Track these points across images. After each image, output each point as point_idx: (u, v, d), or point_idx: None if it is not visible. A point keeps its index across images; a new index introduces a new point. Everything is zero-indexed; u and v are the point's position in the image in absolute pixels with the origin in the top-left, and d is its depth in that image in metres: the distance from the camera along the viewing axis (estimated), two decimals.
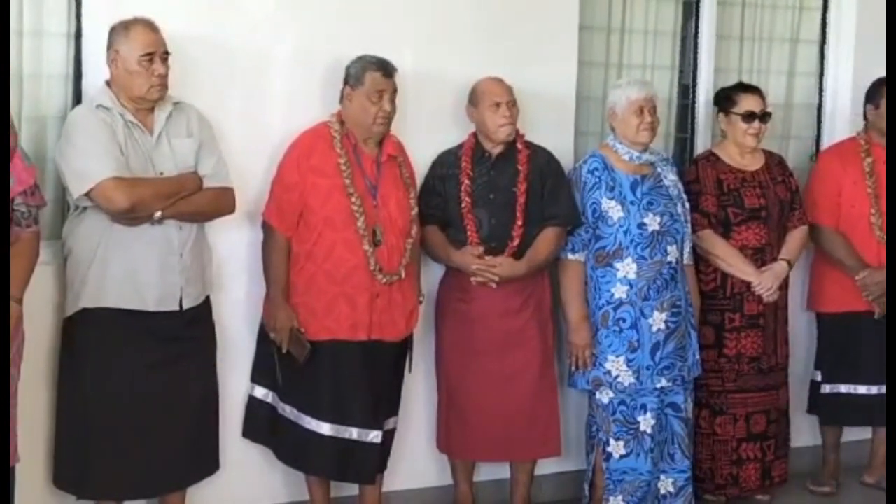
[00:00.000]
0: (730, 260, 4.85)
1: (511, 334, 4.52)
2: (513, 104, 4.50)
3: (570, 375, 4.70)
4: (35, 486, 4.04)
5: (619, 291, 4.59)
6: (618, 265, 4.59)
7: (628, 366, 4.58)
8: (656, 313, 4.58)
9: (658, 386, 4.60)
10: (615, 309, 4.60)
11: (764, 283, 4.83)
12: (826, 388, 5.19)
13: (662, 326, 4.59)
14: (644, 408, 4.63)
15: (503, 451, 4.62)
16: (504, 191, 4.50)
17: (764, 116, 4.91)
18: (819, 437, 5.35)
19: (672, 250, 4.62)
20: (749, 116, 4.88)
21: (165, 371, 3.96)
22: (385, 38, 4.51)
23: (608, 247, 4.59)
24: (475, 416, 4.54)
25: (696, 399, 4.87)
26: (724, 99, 4.97)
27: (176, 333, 3.98)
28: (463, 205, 4.47)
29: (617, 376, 4.59)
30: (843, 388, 5.13)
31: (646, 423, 4.64)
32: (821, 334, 5.29)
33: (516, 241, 4.46)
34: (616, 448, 4.65)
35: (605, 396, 4.64)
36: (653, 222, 4.59)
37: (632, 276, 4.57)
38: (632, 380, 4.59)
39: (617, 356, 4.59)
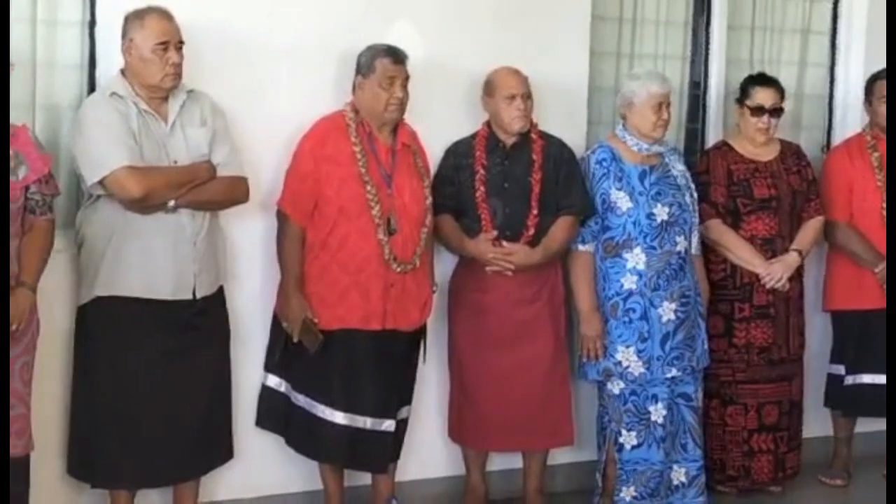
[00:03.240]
0: (738, 251, 4.84)
1: (524, 324, 4.52)
2: (527, 97, 4.49)
3: (580, 366, 4.70)
4: (49, 475, 4.04)
5: (629, 282, 4.59)
6: (627, 255, 4.58)
7: (639, 356, 4.58)
8: (666, 303, 4.58)
9: (668, 376, 4.60)
10: (625, 300, 4.60)
11: (773, 273, 4.83)
12: (849, 380, 5.16)
13: (672, 317, 4.59)
14: (655, 398, 4.63)
15: (516, 440, 4.62)
16: (518, 180, 4.49)
17: (774, 112, 4.89)
18: (831, 429, 5.35)
19: (681, 240, 4.62)
20: (758, 110, 4.87)
21: (179, 360, 3.95)
22: (397, 27, 4.50)
23: (617, 237, 4.59)
24: (488, 406, 4.53)
25: (706, 389, 4.87)
26: (740, 89, 4.96)
27: (189, 322, 3.96)
28: (477, 194, 4.46)
29: (627, 367, 4.59)
30: (867, 378, 5.09)
31: (657, 413, 4.63)
32: (839, 330, 5.26)
33: (531, 231, 4.46)
34: (628, 439, 4.65)
35: (615, 387, 4.64)
36: (661, 213, 4.59)
37: (641, 266, 4.57)
38: (642, 370, 4.59)
39: (627, 346, 4.59)
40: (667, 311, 4.59)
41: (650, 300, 4.58)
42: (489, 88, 4.53)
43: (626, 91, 4.65)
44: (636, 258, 4.58)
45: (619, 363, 4.60)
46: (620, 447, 4.66)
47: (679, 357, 4.61)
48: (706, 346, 4.74)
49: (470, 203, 4.48)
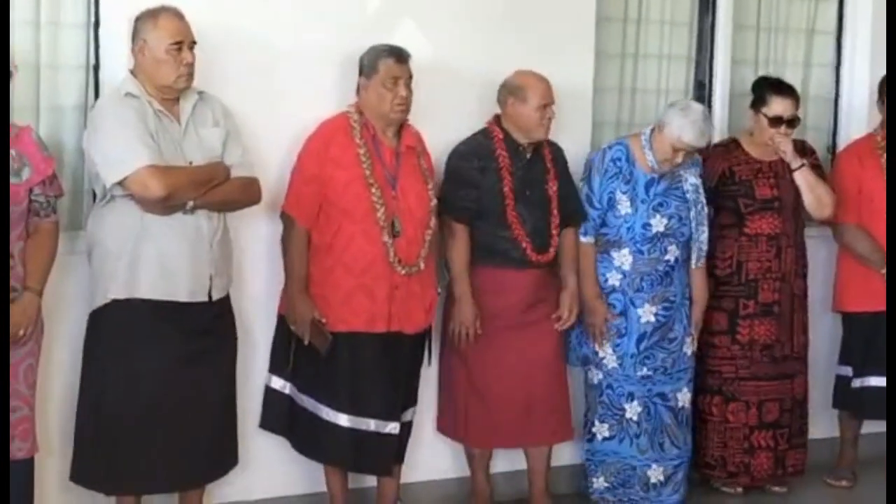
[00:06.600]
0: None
1: (530, 324, 4.50)
2: (552, 105, 4.48)
3: (568, 350, 4.73)
4: (55, 480, 4.02)
5: (613, 278, 4.66)
6: (614, 254, 4.65)
7: (614, 350, 4.66)
8: (647, 305, 4.64)
9: (640, 374, 4.65)
10: (608, 294, 4.66)
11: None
12: (857, 383, 5.14)
13: (651, 319, 4.65)
14: (631, 396, 4.68)
15: (520, 437, 4.58)
16: (537, 188, 4.50)
17: (791, 122, 4.86)
18: (837, 430, 5.34)
19: (672, 249, 4.66)
20: (775, 121, 4.84)
21: (194, 364, 3.89)
22: (403, 30, 4.51)
23: (609, 235, 4.65)
24: (495, 404, 4.49)
25: (708, 386, 4.90)
26: (757, 96, 4.91)
27: (204, 326, 3.91)
28: (507, 202, 4.43)
29: (603, 358, 4.66)
30: (874, 381, 5.07)
31: (632, 410, 4.68)
32: (848, 331, 5.25)
33: (556, 240, 4.51)
34: (600, 430, 4.71)
35: (595, 377, 4.71)
36: (659, 224, 4.62)
37: (626, 266, 4.64)
38: (615, 364, 4.67)
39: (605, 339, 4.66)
40: (647, 312, 4.64)
41: (631, 299, 4.65)
42: (520, 93, 4.45)
43: (667, 117, 4.59)
44: (623, 258, 4.64)
45: (596, 353, 4.67)
46: (592, 437, 4.72)
47: (650, 357, 4.66)
48: (686, 351, 4.74)
49: (493, 209, 4.43)
